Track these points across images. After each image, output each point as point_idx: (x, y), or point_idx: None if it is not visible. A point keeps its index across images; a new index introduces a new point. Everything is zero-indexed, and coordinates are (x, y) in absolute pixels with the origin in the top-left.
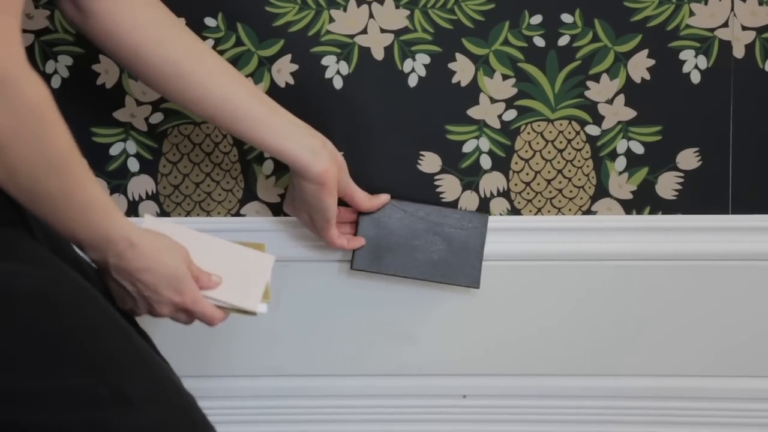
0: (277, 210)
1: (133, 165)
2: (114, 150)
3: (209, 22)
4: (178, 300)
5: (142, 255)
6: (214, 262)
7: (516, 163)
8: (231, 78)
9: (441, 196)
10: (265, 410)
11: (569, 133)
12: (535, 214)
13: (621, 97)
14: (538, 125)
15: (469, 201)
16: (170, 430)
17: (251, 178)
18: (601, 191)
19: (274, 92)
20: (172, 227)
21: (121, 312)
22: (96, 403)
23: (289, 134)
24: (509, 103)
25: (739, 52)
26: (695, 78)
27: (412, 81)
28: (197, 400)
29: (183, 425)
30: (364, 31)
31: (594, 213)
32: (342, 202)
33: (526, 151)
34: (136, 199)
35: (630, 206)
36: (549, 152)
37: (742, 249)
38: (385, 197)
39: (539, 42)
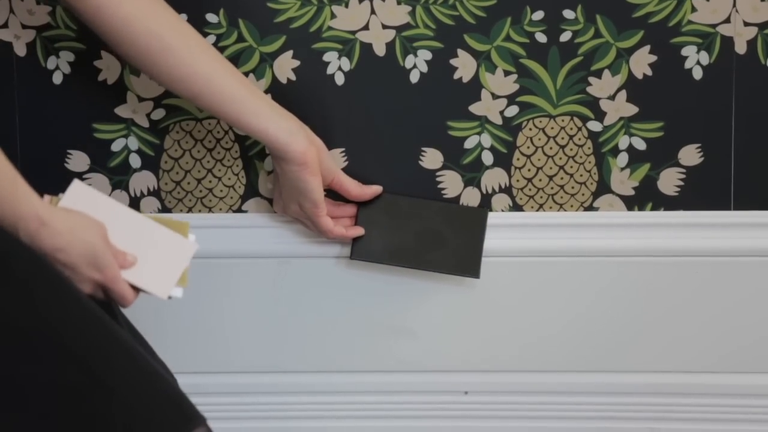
0: None
1: (135, 161)
2: (116, 146)
3: (211, 18)
4: (98, 277)
5: (56, 234)
6: (133, 240)
7: (518, 159)
8: (214, 57)
9: (443, 192)
10: (264, 406)
11: (571, 129)
12: (537, 210)
13: (623, 93)
14: (540, 121)
15: (471, 197)
16: (157, 418)
17: (253, 174)
18: (603, 187)
19: (276, 88)
20: (95, 196)
21: (100, 303)
22: (77, 393)
23: (268, 115)
24: (511, 99)
25: (741, 48)
26: (697, 74)
27: (414, 77)
28: (196, 396)
29: (169, 413)
30: (366, 27)
31: (596, 209)
32: (338, 197)
33: (528, 147)
34: (138, 195)
35: (632, 202)
36: (551, 148)
37: (744, 245)
38: (377, 188)
39: (541, 38)
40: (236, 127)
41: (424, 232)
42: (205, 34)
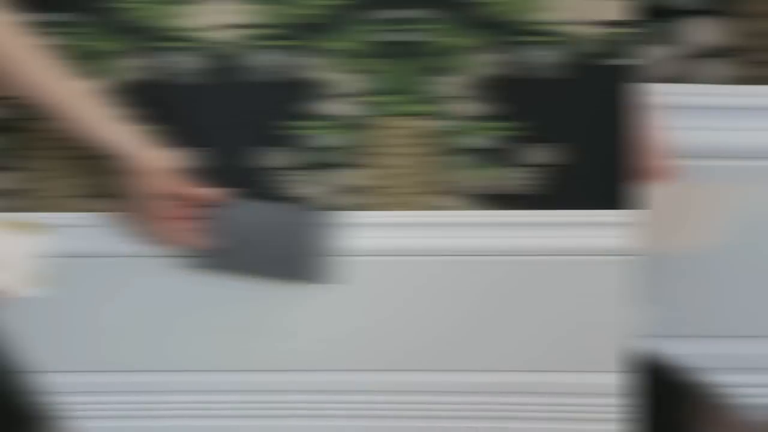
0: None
1: None
2: None
3: (58, 16)
4: None
5: None
6: None
7: (369, 158)
8: (44, 63)
9: (292, 192)
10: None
11: (423, 128)
12: (388, 210)
13: (472, 93)
14: (391, 120)
15: (322, 197)
16: None
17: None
18: (450, 186)
19: (121, 89)
20: None
21: None
22: None
23: (108, 125)
24: (362, 98)
25: (585, 48)
26: (547, 74)
27: (263, 76)
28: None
29: None
30: (216, 26)
31: (442, 209)
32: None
33: (380, 147)
34: None
35: (477, 202)
36: (403, 147)
37: (563, 244)
38: (218, 190)
39: (392, 37)
40: (76, 136)
41: (267, 238)
42: (52, 33)
